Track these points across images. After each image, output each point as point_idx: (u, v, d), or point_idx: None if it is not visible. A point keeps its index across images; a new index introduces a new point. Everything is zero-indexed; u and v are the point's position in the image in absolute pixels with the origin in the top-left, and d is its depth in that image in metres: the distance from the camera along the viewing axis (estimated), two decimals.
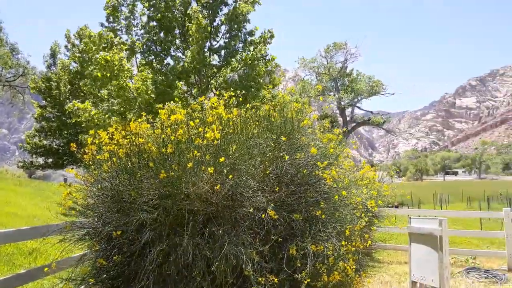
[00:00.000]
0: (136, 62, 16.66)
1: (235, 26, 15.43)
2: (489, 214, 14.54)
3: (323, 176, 5.27)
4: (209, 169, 3.95)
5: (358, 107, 30.01)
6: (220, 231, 4.02)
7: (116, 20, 16.03)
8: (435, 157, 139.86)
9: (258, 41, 16.09)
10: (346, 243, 4.91)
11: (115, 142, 4.29)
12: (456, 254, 10.61)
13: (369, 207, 5.83)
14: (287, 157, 4.74)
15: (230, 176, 4.08)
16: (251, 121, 5.12)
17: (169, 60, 16.35)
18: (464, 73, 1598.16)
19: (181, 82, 14.97)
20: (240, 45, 16.07)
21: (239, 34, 15.76)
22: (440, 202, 26.78)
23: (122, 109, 13.64)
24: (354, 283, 5.20)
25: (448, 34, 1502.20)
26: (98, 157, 4.36)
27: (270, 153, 4.88)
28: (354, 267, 4.86)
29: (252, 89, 15.00)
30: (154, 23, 15.96)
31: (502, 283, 7.82)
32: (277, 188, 4.59)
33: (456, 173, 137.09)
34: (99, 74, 12.99)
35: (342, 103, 29.29)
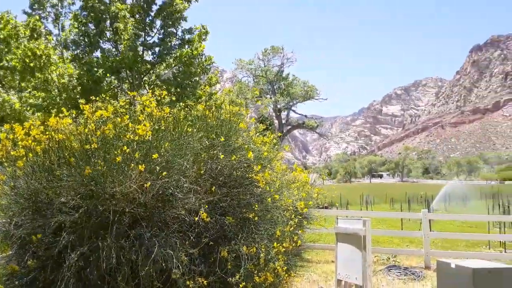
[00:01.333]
0: (62, 54, 15.58)
1: (170, 22, 14.98)
2: (409, 215, 15.49)
3: (257, 178, 5.32)
4: (139, 166, 3.77)
5: (293, 111, 30.93)
6: (148, 234, 3.85)
7: (42, 8, 14.92)
8: (363, 161, 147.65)
9: (193, 39, 15.77)
10: (278, 244, 4.97)
11: (33, 138, 3.94)
12: (379, 252, 11.20)
13: (299, 209, 5.94)
14: (222, 155, 4.69)
15: (164, 173, 3.94)
16: (184, 120, 4.99)
17: (99, 53, 15.46)
18: (390, 82, 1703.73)
19: (112, 77, 14.26)
20: (177, 42, 15.62)
21: (175, 31, 15.32)
22: (366, 203, 28.23)
23: (46, 104, 12.71)
24: (283, 283, 5.26)
25: (377, 43, 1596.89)
26: (12, 153, 3.97)
27: (204, 154, 4.79)
28: (284, 267, 4.92)
29: (188, 88, 14.70)
30: (85, 13, 15.02)
31: (419, 279, 8.37)
32: (211, 189, 4.52)
33: (381, 176, 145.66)
34: (18, 65, 11.97)
35: (278, 106, 29.88)
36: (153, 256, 3.67)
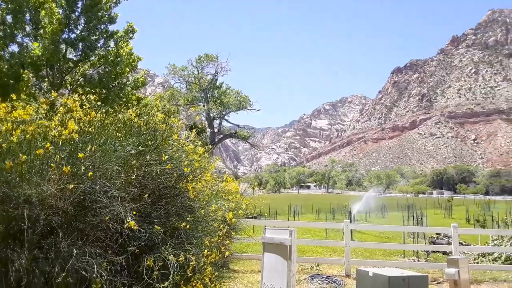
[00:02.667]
0: None
1: (94, 18, 14.04)
2: (333, 225, 16.11)
3: (187, 188, 5.26)
4: (64, 168, 3.51)
5: (226, 120, 30.87)
6: (66, 243, 3.58)
7: None
8: (292, 172, 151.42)
9: (120, 35, 14.96)
10: (207, 253, 4.93)
11: None
12: (304, 262, 11.51)
13: (227, 219, 5.94)
14: (152, 163, 4.55)
15: (90, 173, 3.70)
16: (111, 125, 4.77)
17: (16, 47, 14.08)
18: (320, 98, 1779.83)
19: (30, 74, 13.14)
20: (102, 40, 14.68)
21: (100, 28, 14.39)
22: (294, 213, 28.94)
23: None
24: None
25: (309, 60, 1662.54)
26: None
27: (134, 161, 4.61)
28: (211, 277, 4.88)
29: (114, 89, 13.97)
30: (2, 4, 13.68)
31: (340, 287, 8.71)
32: (141, 197, 4.36)
33: (309, 187, 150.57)
34: None
35: (211, 114, 29.68)
36: (70, 266, 3.41)
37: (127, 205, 4.12)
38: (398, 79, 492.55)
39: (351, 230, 17.58)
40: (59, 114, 4.19)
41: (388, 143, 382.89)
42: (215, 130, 30.08)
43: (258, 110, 30.54)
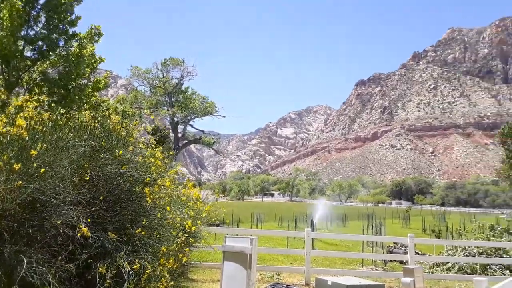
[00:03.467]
0: None
1: (55, 16, 13.46)
2: (295, 234, 16.18)
3: (144, 192, 5.12)
4: (14, 165, 3.30)
5: (191, 125, 30.39)
6: (12, 248, 3.37)
7: None
8: (256, 179, 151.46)
9: (84, 36, 14.47)
10: (163, 260, 4.80)
11: None
12: (264, 270, 11.45)
13: (186, 227, 5.81)
14: (108, 167, 4.39)
15: (43, 170, 3.49)
16: (65, 125, 4.57)
17: None
18: (286, 106, 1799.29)
19: None
20: (63, 40, 14.09)
21: (61, 26, 13.82)
22: (257, 221, 28.90)
23: None
24: None
25: (277, 69, 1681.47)
26: None
27: (87, 163, 4.42)
28: (167, 286, 4.74)
29: (74, 90, 13.44)
30: None
31: None
32: (94, 202, 4.18)
33: (272, 195, 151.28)
34: None
35: (175, 119, 29.16)
36: (15, 272, 3.21)
37: (80, 209, 3.95)
38: (361, 91, 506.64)
39: (312, 239, 17.77)
40: (7, 112, 3.96)
41: (351, 153, 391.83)
42: (180, 135, 29.58)
43: (224, 117, 30.36)
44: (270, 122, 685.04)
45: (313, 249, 16.70)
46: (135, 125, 6.16)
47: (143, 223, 4.76)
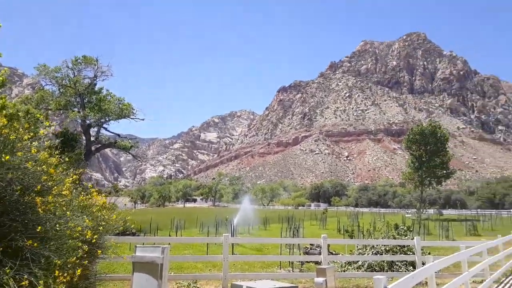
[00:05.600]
0: None
1: None
2: (213, 239, 15.92)
3: (36, 201, 4.62)
4: None
5: (105, 128, 28.45)
6: None
7: None
8: (178, 185, 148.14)
9: None
10: (59, 275, 4.34)
11: None
12: (180, 279, 11.05)
13: (87, 237, 5.32)
14: None
15: None
16: None
17: None
18: (209, 110, 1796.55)
19: None
20: None
21: None
22: (177, 228, 28.10)
23: None
24: None
25: (200, 73, 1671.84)
26: None
27: None
28: None
29: None
30: None
31: None
32: None
33: (195, 200, 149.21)
34: None
35: (87, 121, 27.23)
36: None
37: None
38: (283, 98, 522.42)
39: (233, 244, 17.68)
40: None
41: (273, 157, 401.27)
42: (92, 138, 27.63)
43: (143, 120, 28.88)
44: (193, 126, 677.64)
45: (233, 254, 16.64)
46: (28, 128, 5.52)
47: (37, 233, 4.33)
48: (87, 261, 5.68)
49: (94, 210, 6.34)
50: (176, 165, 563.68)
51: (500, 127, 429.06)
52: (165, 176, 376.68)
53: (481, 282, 10.96)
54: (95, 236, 5.66)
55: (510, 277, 12.73)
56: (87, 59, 26.77)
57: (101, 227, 5.93)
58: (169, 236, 23.22)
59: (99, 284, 9.26)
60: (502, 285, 11.37)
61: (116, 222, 7.13)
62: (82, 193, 6.72)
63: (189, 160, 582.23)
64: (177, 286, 10.67)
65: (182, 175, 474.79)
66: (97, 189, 7.25)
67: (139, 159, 37.76)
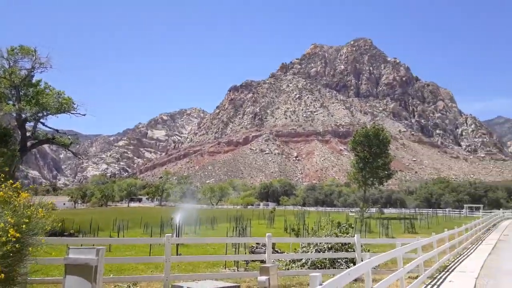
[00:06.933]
0: None
1: None
2: (154, 240, 15.49)
3: None
4: None
5: (43, 123, 26.66)
6: None
7: None
8: (123, 184, 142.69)
9: None
10: None
11: None
12: (119, 281, 10.61)
13: (10, 234, 4.91)
14: None
15: None
16: None
17: None
18: (158, 107, 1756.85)
19: None
20: None
21: None
22: (118, 228, 27.09)
23: None
24: None
25: (148, 68, 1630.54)
26: None
27: None
28: None
29: None
30: None
31: None
32: None
33: (140, 200, 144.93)
34: None
35: (23, 115, 25.41)
36: None
37: None
38: (234, 97, 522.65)
39: (177, 245, 17.29)
40: None
41: (223, 156, 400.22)
42: (28, 134, 25.83)
43: (84, 115, 27.40)
44: (140, 123, 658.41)
45: (178, 254, 16.27)
46: None
47: None
48: (10, 260, 5.24)
49: (16, 205, 5.87)
50: (121, 163, 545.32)
51: (438, 131, 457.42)
52: (109, 174, 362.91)
53: (416, 277, 11.48)
54: (17, 235, 5.23)
55: (443, 273, 13.45)
56: (24, 49, 24.97)
57: (24, 225, 5.49)
58: (110, 237, 22.33)
59: (29, 286, 8.67)
60: (435, 280, 11.97)
61: (46, 220, 6.67)
62: (6, 189, 6.20)
63: (135, 158, 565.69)
64: None
65: (127, 173, 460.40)
66: (32, 186, 6.73)
67: (80, 156, 36.06)
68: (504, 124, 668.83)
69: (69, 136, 29.25)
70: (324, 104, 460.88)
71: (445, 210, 76.51)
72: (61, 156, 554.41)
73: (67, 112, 26.56)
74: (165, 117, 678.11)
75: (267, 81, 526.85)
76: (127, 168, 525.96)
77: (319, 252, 13.45)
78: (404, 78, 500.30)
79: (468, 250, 20.41)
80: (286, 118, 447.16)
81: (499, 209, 71.73)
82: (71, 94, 27.19)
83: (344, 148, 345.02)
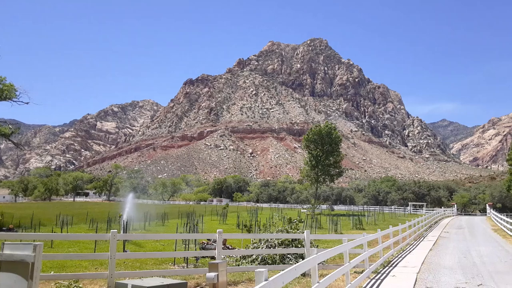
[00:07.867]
0: None
1: None
2: (99, 237, 14.92)
3: None
4: None
5: None
6: None
7: None
8: (68, 177, 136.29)
9: None
10: None
11: None
12: (60, 279, 10.11)
13: None
14: None
15: None
16: None
17: None
18: (108, 98, 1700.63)
19: None
20: None
21: None
22: (62, 223, 25.84)
23: None
24: None
25: (97, 56, 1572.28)
26: None
27: None
28: None
29: None
30: None
31: None
32: None
33: (87, 194, 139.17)
34: None
35: None
36: None
37: None
38: (190, 91, 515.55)
39: (125, 241, 16.72)
40: None
41: (177, 151, 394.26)
42: None
43: (27, 103, 25.74)
44: (88, 114, 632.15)
45: (124, 251, 15.74)
46: None
47: None
48: None
49: None
50: (67, 155, 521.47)
51: (386, 132, 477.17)
52: (53, 167, 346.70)
53: (362, 272, 11.80)
54: None
55: (386, 268, 13.95)
56: None
57: None
58: (53, 232, 21.26)
59: None
60: (379, 275, 12.38)
61: None
62: None
63: (82, 150, 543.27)
64: (56, 286, 9.72)
65: (73, 166, 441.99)
66: None
67: (21, 147, 33.97)
68: (447, 127, 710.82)
69: (10, 125, 27.45)
70: (280, 102, 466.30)
71: (391, 208, 79.98)
72: (2, 146, 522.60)
73: (8, 100, 24.85)
74: (115, 109, 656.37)
75: (224, 76, 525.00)
76: (74, 161, 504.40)
77: (270, 248, 13.50)
78: (357, 79, 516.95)
79: (411, 246, 21.36)
80: (242, 114, 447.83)
81: (441, 207, 76.01)
82: (15, 81, 25.49)
83: (298, 146, 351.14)
